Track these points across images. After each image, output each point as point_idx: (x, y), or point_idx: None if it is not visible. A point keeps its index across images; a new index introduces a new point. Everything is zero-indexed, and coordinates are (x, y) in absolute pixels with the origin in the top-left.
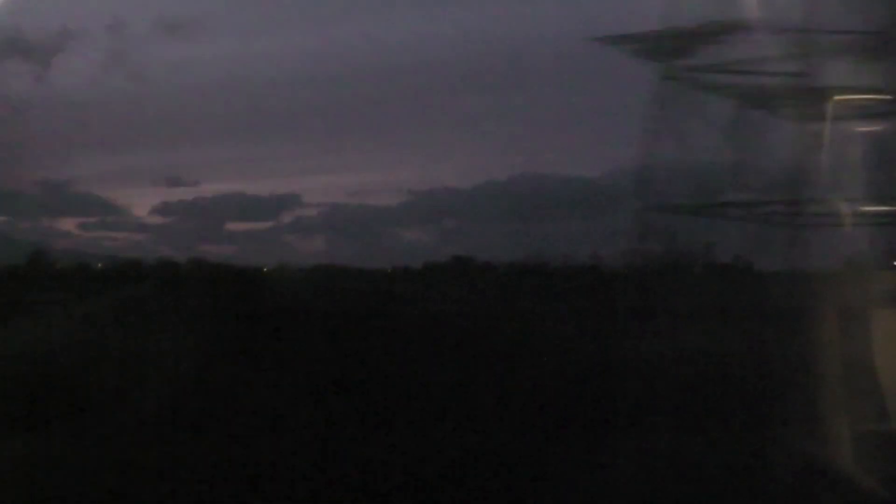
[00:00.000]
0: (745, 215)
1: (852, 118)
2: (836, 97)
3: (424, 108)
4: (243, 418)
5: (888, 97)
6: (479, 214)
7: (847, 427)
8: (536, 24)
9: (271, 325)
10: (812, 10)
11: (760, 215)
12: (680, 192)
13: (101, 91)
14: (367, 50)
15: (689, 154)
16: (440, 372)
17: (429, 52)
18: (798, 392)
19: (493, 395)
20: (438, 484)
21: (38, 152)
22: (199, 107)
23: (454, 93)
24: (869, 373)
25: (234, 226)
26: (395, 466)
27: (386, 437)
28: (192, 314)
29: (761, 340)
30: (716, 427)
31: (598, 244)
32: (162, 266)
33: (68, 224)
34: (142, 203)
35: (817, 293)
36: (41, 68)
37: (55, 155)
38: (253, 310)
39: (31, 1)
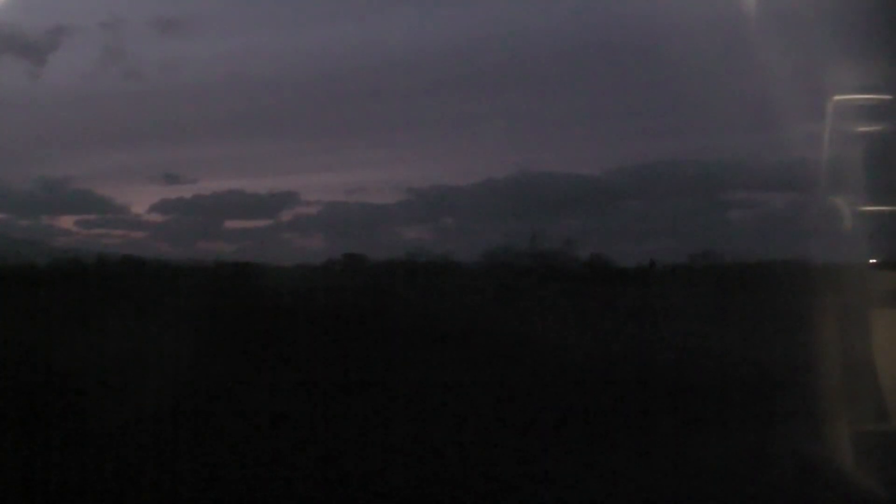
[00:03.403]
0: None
1: (852, 118)
2: (837, 97)
3: (423, 105)
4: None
5: (889, 97)
6: (479, 212)
7: (847, 427)
8: (537, 23)
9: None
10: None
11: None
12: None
13: (98, 88)
14: (365, 47)
15: None
16: None
17: (428, 50)
18: (797, 392)
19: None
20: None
21: (35, 149)
22: (197, 104)
23: (453, 91)
24: (869, 373)
25: (233, 223)
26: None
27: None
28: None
29: (760, 339)
30: (715, 426)
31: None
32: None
33: (67, 222)
34: (140, 200)
35: (818, 292)
36: (37, 66)
37: (53, 152)
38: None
39: None
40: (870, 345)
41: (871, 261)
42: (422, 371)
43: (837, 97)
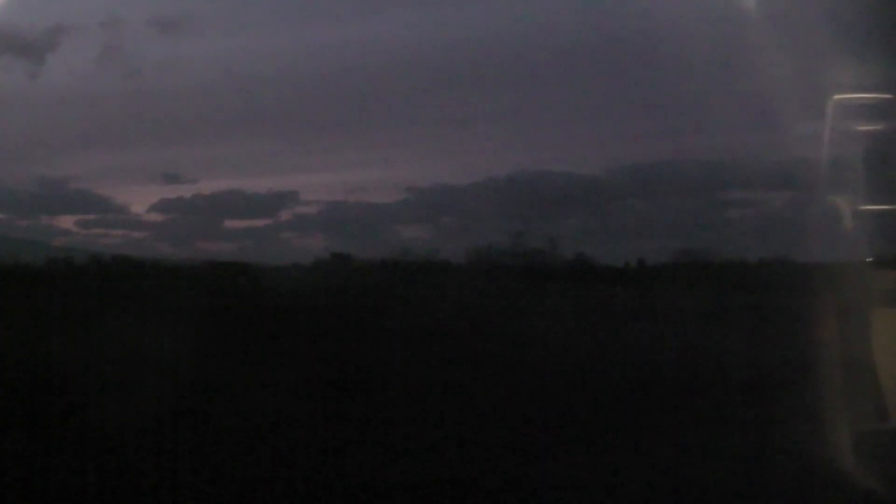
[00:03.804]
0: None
1: (852, 118)
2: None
3: (423, 105)
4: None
5: (889, 97)
6: (479, 212)
7: (847, 427)
8: (537, 23)
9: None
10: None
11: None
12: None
13: (98, 88)
14: (365, 47)
15: None
16: None
17: (428, 50)
18: (797, 392)
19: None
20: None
21: (35, 149)
22: (196, 104)
23: (453, 90)
24: (869, 373)
25: (232, 223)
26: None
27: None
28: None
29: (760, 339)
30: (715, 427)
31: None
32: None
33: (67, 221)
34: (140, 200)
35: (817, 291)
36: (36, 65)
37: (52, 152)
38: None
39: None
40: (870, 345)
41: (867, 259)
42: (408, 370)
43: (837, 97)
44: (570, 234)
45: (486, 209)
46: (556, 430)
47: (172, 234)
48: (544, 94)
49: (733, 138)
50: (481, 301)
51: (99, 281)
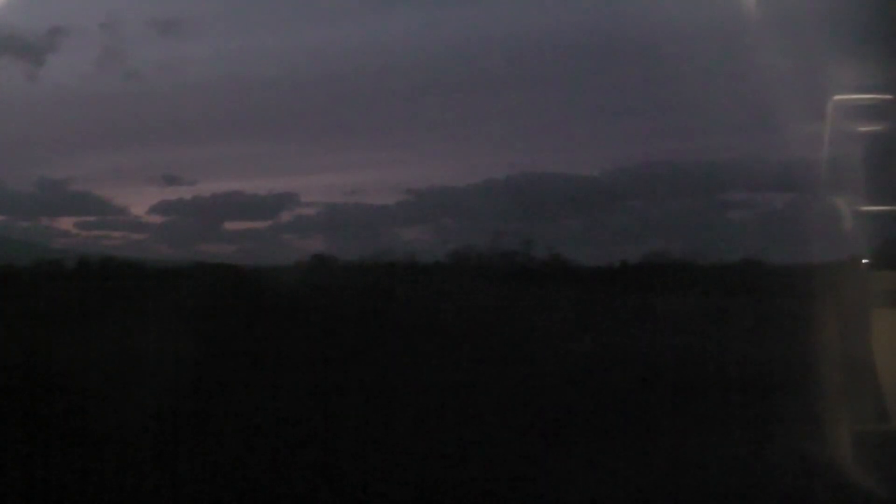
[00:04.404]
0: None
1: (852, 118)
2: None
3: (423, 106)
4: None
5: (889, 97)
6: (478, 213)
7: (847, 427)
8: (537, 24)
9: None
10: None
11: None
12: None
13: (98, 89)
14: (365, 48)
15: None
16: None
17: (427, 51)
18: (797, 392)
19: None
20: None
21: (35, 150)
22: (196, 105)
23: (453, 91)
24: (869, 373)
25: (232, 225)
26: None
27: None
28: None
29: (760, 340)
30: (715, 427)
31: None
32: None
33: (66, 223)
34: (140, 202)
35: (817, 292)
36: (36, 66)
37: (52, 153)
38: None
39: None
40: (870, 345)
41: (865, 260)
42: (399, 371)
43: (837, 97)
44: (568, 235)
45: (485, 210)
46: (554, 430)
47: (172, 236)
48: (543, 95)
49: (733, 139)
50: (476, 302)
51: (98, 282)
